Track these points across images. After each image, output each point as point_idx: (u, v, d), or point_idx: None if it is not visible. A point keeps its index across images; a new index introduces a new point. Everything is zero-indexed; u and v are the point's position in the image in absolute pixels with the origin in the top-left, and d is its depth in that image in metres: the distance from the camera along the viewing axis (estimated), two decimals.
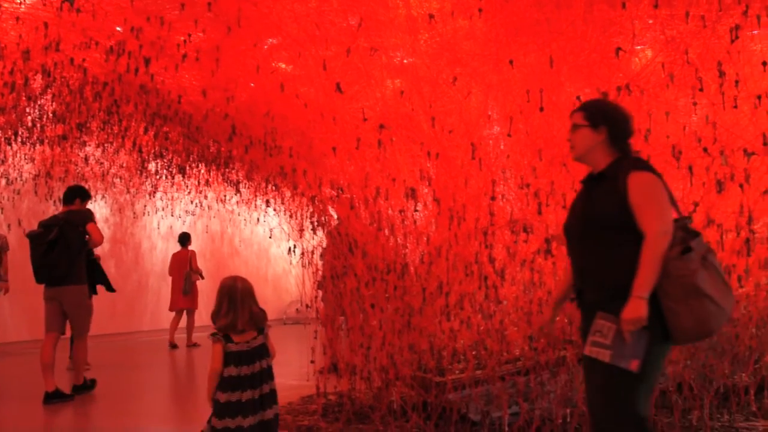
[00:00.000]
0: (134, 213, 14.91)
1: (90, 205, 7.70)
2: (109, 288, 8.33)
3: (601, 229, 3.09)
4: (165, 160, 10.80)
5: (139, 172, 12.23)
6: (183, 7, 5.21)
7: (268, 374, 3.89)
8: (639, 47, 5.26)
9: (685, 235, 2.97)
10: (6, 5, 5.70)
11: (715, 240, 4.92)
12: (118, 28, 5.73)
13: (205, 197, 13.65)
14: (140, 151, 9.94)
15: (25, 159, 11.42)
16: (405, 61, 5.67)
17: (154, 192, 13.55)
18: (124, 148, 10.51)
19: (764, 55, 4.73)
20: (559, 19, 4.91)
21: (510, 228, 5.25)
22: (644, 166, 3.16)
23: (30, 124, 9.11)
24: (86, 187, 8.84)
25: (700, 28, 4.57)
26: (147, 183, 13.12)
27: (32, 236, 7.15)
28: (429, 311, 5.42)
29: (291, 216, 7.75)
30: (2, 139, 9.60)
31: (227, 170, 10.02)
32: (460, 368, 5.41)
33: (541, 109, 4.66)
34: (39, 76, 6.98)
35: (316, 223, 6.77)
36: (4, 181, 12.02)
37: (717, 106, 4.58)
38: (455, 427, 5.13)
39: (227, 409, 3.73)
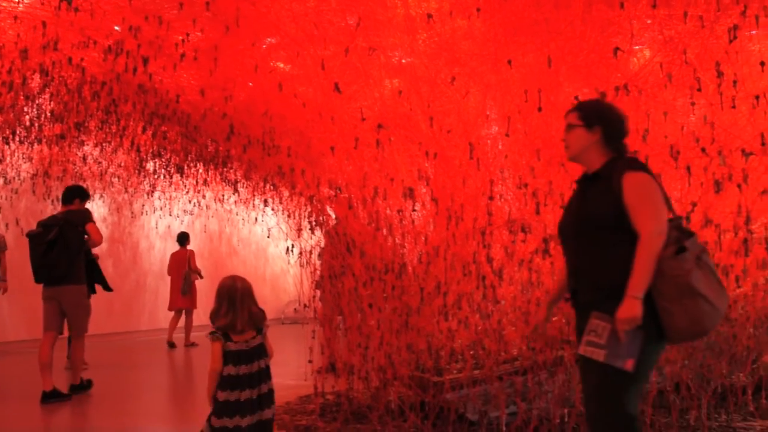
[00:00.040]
0: (132, 212, 14.90)
1: (88, 205, 7.69)
2: (106, 287, 8.32)
3: (596, 229, 3.10)
4: (163, 160, 10.79)
5: (137, 171, 12.21)
6: (181, 7, 5.21)
7: (266, 374, 3.88)
8: (637, 47, 5.27)
9: (679, 235, 2.99)
10: (4, 4, 5.70)
11: (713, 240, 4.92)
12: (116, 28, 5.73)
13: (204, 197, 13.63)
14: (138, 150, 9.93)
15: (23, 158, 11.40)
16: (403, 60, 5.67)
17: (152, 191, 13.54)
18: (122, 147, 10.50)
19: (762, 56, 4.73)
20: (558, 19, 4.91)
21: (508, 228, 5.25)
22: (639, 166, 3.17)
23: (28, 123, 9.10)
24: (84, 186, 8.84)
25: (699, 28, 4.58)
26: (145, 182, 13.10)
27: (32, 236, 7.15)
28: (427, 311, 5.42)
29: (289, 215, 7.74)
30: (0, 139, 9.58)
31: (225, 170, 10.01)
32: (457, 368, 5.41)
33: (540, 109, 4.66)
34: (37, 76, 6.98)
35: (314, 223, 6.76)
36: (1, 181, 12.00)
37: (715, 106, 4.58)
38: (453, 427, 5.13)
39: (225, 409, 3.73)
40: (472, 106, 5.46)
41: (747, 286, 5.38)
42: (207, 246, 16.36)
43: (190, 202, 14.07)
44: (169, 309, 12.30)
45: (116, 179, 13.22)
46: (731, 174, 4.64)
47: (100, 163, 12.15)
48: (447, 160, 5.39)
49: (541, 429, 5.01)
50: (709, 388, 5.44)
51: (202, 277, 12.30)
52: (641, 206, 2.99)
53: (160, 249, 15.64)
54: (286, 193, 7.90)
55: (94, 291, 8.19)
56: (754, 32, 4.84)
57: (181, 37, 5.52)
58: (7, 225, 11.94)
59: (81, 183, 10.96)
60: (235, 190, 11.57)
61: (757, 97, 4.52)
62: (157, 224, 15.38)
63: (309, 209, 6.86)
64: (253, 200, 11.57)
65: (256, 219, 13.55)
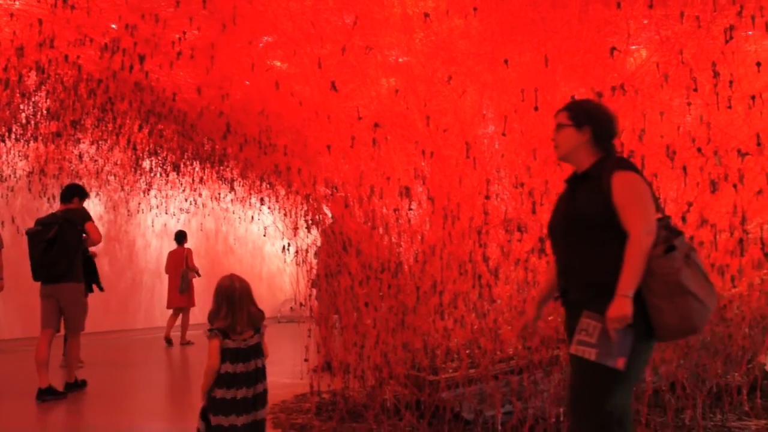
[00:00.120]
0: (128, 210, 14.88)
1: (85, 203, 7.69)
2: (99, 287, 8.32)
3: (585, 228, 3.12)
4: (159, 158, 10.76)
5: (133, 169, 12.18)
6: (178, 5, 5.20)
7: (262, 374, 3.88)
8: (634, 47, 5.27)
9: (668, 234, 3.01)
10: (0, 2, 5.68)
11: (708, 240, 4.93)
12: (112, 26, 5.71)
13: (200, 195, 13.62)
14: (135, 148, 9.91)
15: (19, 156, 11.38)
16: (400, 59, 5.67)
17: (149, 190, 13.52)
18: (118, 145, 10.48)
19: (758, 56, 4.74)
20: (554, 18, 4.91)
21: (504, 227, 5.25)
22: (628, 165, 3.19)
23: (24, 121, 9.08)
24: (80, 184, 8.82)
25: (695, 29, 4.58)
26: (141, 180, 13.08)
27: (31, 234, 7.18)
28: (423, 310, 5.42)
29: (285, 214, 7.74)
30: None
31: (222, 168, 10.00)
32: (453, 367, 5.41)
33: (536, 109, 4.67)
34: (33, 73, 6.97)
35: (310, 222, 6.75)
36: None
37: (711, 106, 4.59)
38: (448, 426, 5.13)
39: (222, 407, 3.72)
40: (469, 105, 5.47)
41: (742, 286, 5.40)
42: (203, 244, 16.34)
43: (186, 200, 14.07)
44: (168, 307, 12.34)
45: (112, 177, 13.20)
46: (727, 174, 4.65)
47: (96, 161, 12.13)
48: (443, 159, 5.39)
49: (536, 428, 5.01)
50: (704, 388, 5.45)
51: (199, 275, 12.32)
52: (630, 205, 3.01)
53: (157, 247, 15.63)
54: (282, 192, 7.89)
55: (91, 290, 8.19)
56: (750, 33, 4.84)
57: (177, 35, 5.51)
58: (2, 223, 11.91)
59: (77, 181, 10.94)
60: (232, 189, 11.57)
61: (753, 98, 4.54)
62: (153, 222, 15.36)
63: (305, 208, 6.85)
64: (250, 199, 11.58)
65: (252, 217, 13.55)
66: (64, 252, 7.03)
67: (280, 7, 5.37)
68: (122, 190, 13.88)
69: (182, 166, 10.62)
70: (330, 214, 6.44)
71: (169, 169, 11.17)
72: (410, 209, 5.61)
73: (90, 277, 8.14)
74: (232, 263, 16.64)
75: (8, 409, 6.78)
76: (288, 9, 5.36)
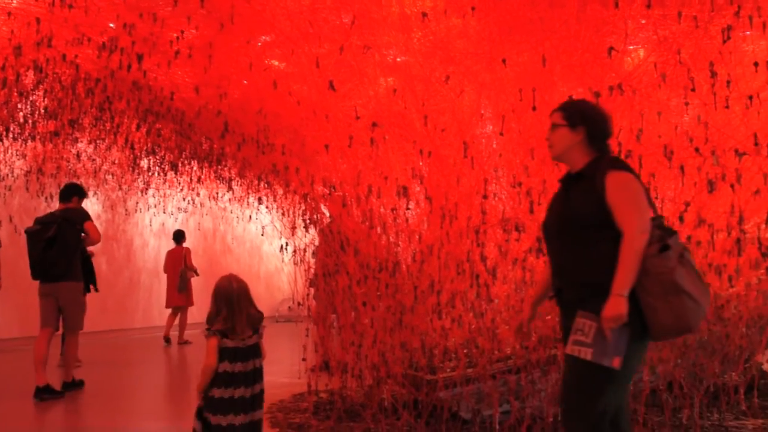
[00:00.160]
0: (126, 210, 14.87)
1: (83, 203, 7.69)
2: (95, 287, 8.32)
3: (579, 227, 3.13)
4: (157, 157, 10.76)
5: (131, 168, 12.18)
6: (176, 4, 5.20)
7: (259, 374, 3.87)
8: (631, 47, 5.27)
9: (662, 233, 3.03)
10: None
11: (706, 240, 4.94)
12: (110, 25, 5.71)
13: (198, 194, 13.62)
14: (132, 147, 9.91)
15: (17, 155, 11.37)
16: (398, 59, 5.67)
17: (147, 189, 13.51)
18: (116, 144, 10.47)
19: (756, 56, 4.74)
20: (552, 18, 4.91)
21: (502, 226, 5.26)
22: (621, 165, 3.20)
23: (21, 120, 9.07)
24: (79, 184, 8.82)
25: (693, 29, 4.59)
26: (139, 180, 13.08)
27: (30, 233, 7.20)
28: (420, 309, 5.42)
29: (283, 213, 7.74)
30: None
31: (220, 167, 10.00)
32: (451, 366, 5.42)
33: (534, 108, 4.67)
34: (31, 72, 6.97)
35: (308, 221, 6.76)
36: None
37: (709, 106, 4.59)
38: (446, 425, 5.13)
39: (220, 406, 3.71)
40: (467, 104, 5.47)
41: (740, 286, 5.40)
42: (201, 244, 16.34)
43: (184, 199, 14.05)
44: (167, 306, 12.37)
45: (110, 176, 13.19)
46: (724, 174, 4.66)
47: (94, 160, 12.12)
48: (441, 159, 5.39)
49: (534, 427, 5.02)
50: (701, 387, 5.46)
51: (197, 275, 12.33)
52: (624, 205, 3.02)
53: (154, 246, 15.63)
54: (280, 191, 7.89)
55: (88, 290, 8.18)
56: (747, 33, 4.85)
57: (175, 35, 5.51)
58: (0, 222, 11.91)
59: (75, 180, 10.93)
60: (230, 188, 11.56)
61: (751, 98, 4.54)
62: (151, 222, 15.36)
63: (303, 207, 6.86)
64: (248, 198, 11.57)
65: (250, 217, 13.54)
66: (63, 251, 7.05)
67: (278, 7, 5.37)
68: (120, 189, 13.87)
69: (180, 165, 10.62)
70: (328, 214, 6.44)
71: (167, 168, 11.17)
72: (408, 209, 5.61)
73: (87, 276, 8.13)
74: (230, 262, 16.64)
75: (6, 409, 6.77)
76: (286, 8, 5.36)
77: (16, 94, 7.87)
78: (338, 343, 6.20)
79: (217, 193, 13.46)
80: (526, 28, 5.05)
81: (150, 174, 12.24)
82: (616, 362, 2.92)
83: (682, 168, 4.65)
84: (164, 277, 12.68)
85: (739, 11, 4.31)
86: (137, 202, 14.68)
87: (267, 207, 9.32)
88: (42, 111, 8.62)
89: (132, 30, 5.48)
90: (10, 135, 9.57)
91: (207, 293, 3.93)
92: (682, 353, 5.45)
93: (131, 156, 11.07)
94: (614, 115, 4.53)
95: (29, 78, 7.29)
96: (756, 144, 4.52)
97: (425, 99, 5.31)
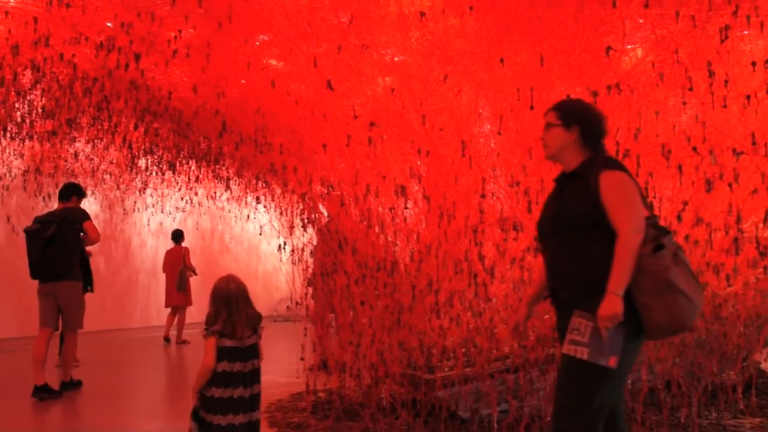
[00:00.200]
0: (124, 209, 14.86)
1: (81, 202, 7.69)
2: (91, 288, 8.31)
3: (574, 227, 3.13)
4: (155, 157, 10.76)
5: (129, 168, 12.18)
6: (174, 3, 5.19)
7: (258, 375, 3.87)
8: (629, 46, 5.28)
9: (656, 232, 3.03)
10: None
11: (704, 239, 4.95)
12: (108, 24, 5.70)
13: (196, 194, 13.60)
14: (130, 147, 9.90)
15: (14, 155, 11.36)
16: (396, 58, 5.67)
17: (144, 188, 13.51)
18: (114, 144, 10.46)
19: (753, 55, 4.75)
20: (550, 17, 4.92)
21: (500, 226, 5.26)
22: (615, 165, 3.20)
23: (19, 119, 9.06)
24: (78, 183, 8.81)
25: (690, 28, 4.59)
26: (137, 179, 13.08)
27: (29, 232, 7.20)
28: (419, 309, 5.42)
29: (281, 213, 7.73)
30: None
31: (217, 167, 10.00)
32: (449, 366, 5.42)
33: (532, 108, 4.67)
34: (28, 71, 6.95)
35: (306, 220, 6.76)
36: None
37: (706, 105, 4.60)
38: (444, 425, 5.13)
39: (219, 406, 3.70)
40: (465, 104, 5.47)
41: (738, 285, 5.41)
42: (199, 243, 16.33)
43: (182, 199, 14.03)
44: (166, 306, 12.37)
45: (108, 176, 13.19)
46: (722, 173, 4.66)
47: (91, 159, 12.12)
48: (439, 158, 5.39)
49: (532, 427, 5.02)
50: (699, 386, 5.46)
51: (196, 274, 12.34)
52: (618, 205, 3.03)
53: (152, 246, 15.62)
54: (278, 191, 7.89)
55: (86, 290, 8.18)
56: (745, 32, 4.86)
57: (173, 34, 5.50)
58: None
59: (72, 180, 10.92)
60: (228, 188, 11.56)
61: (748, 97, 4.54)
62: (149, 221, 15.35)
63: (301, 206, 6.86)
64: (246, 197, 11.58)
65: (248, 216, 13.53)
66: (62, 251, 7.06)
67: (276, 6, 5.36)
68: (118, 188, 13.86)
69: (178, 164, 10.61)
70: (326, 213, 6.44)
71: (164, 167, 11.16)
72: (406, 208, 5.62)
73: (83, 277, 8.13)
74: (228, 262, 16.64)
75: (4, 409, 6.76)
76: (284, 8, 5.36)
77: (13, 93, 7.87)
78: (336, 343, 6.20)
79: (215, 193, 13.46)
80: (524, 27, 5.05)
81: (148, 173, 12.23)
82: (612, 361, 2.93)
83: (680, 167, 4.66)
84: (162, 276, 12.68)
85: (736, 11, 4.31)
86: (135, 202, 14.67)
87: (265, 206, 9.32)
88: (39, 110, 8.61)
89: (130, 29, 5.47)
90: (8, 134, 9.57)
91: (205, 293, 3.93)
92: (680, 352, 5.46)
93: (129, 155, 11.07)
94: (612, 114, 4.56)
95: (27, 77, 7.28)
96: (754, 143, 4.52)
97: (423, 98, 5.31)
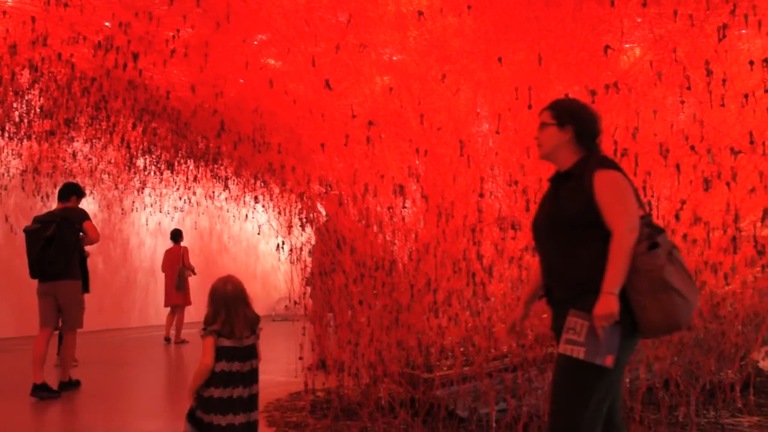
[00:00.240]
0: (122, 209, 14.86)
1: (81, 202, 7.70)
2: (87, 288, 8.31)
3: (569, 227, 3.13)
4: (153, 156, 10.76)
5: (127, 168, 12.18)
6: (171, 3, 5.19)
7: (256, 375, 3.87)
8: (627, 45, 5.28)
9: (651, 231, 3.04)
10: None
11: (702, 238, 4.95)
12: (106, 23, 5.70)
13: (194, 193, 13.61)
14: (128, 147, 9.89)
15: (13, 155, 11.36)
16: (394, 58, 5.67)
17: (143, 188, 13.52)
18: (112, 143, 10.46)
19: (751, 54, 4.75)
20: (548, 16, 4.92)
21: (498, 225, 5.26)
22: (610, 164, 3.20)
23: (17, 119, 9.06)
24: (77, 183, 8.81)
25: (688, 27, 4.60)
26: (135, 179, 13.08)
27: (29, 232, 7.21)
28: (417, 308, 5.42)
29: (280, 212, 7.73)
30: None
31: (216, 166, 9.99)
32: (447, 365, 5.42)
33: (530, 107, 4.67)
34: (26, 71, 6.95)
35: (304, 220, 6.76)
36: None
37: (704, 104, 4.60)
38: (443, 424, 5.14)
39: (218, 406, 3.70)
40: (463, 103, 5.47)
41: (735, 284, 5.41)
42: (197, 243, 16.32)
43: (180, 198, 14.04)
44: (165, 305, 12.38)
45: (106, 176, 13.18)
46: (720, 172, 4.66)
47: (90, 159, 12.11)
48: (437, 158, 5.39)
49: (530, 426, 5.03)
50: (697, 385, 5.47)
51: (195, 274, 12.33)
52: (613, 204, 3.03)
53: (151, 246, 15.61)
54: (276, 190, 7.88)
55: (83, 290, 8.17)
56: (743, 31, 4.86)
57: (171, 33, 5.50)
58: None
59: (71, 179, 10.92)
60: (226, 187, 11.56)
61: (746, 96, 4.55)
62: (147, 221, 15.35)
63: (299, 206, 6.85)
64: (244, 197, 11.56)
65: (246, 216, 13.53)
66: (62, 250, 7.07)
67: (274, 6, 5.36)
68: (116, 188, 13.86)
69: (176, 164, 10.61)
70: (324, 212, 6.43)
71: (163, 167, 11.16)
72: (404, 207, 5.62)
73: (81, 277, 8.13)
74: (227, 262, 16.64)
75: (2, 409, 6.76)
76: (282, 7, 5.36)
77: (11, 93, 7.86)
78: (335, 342, 6.20)
79: (214, 192, 13.46)
80: (522, 26, 5.05)
81: (146, 173, 12.24)
82: (608, 360, 2.93)
83: (677, 166, 4.66)
84: (161, 276, 12.68)
85: (734, 10, 4.32)
86: (133, 202, 14.67)
87: (263, 206, 9.32)
88: (38, 110, 8.61)
89: (128, 29, 5.47)
90: (6, 134, 9.57)
91: (204, 292, 3.92)
92: (678, 351, 5.46)
93: (127, 155, 11.07)
94: (610, 113, 4.56)
95: (25, 77, 7.28)
96: (751, 142, 4.53)
97: (421, 97, 5.31)
